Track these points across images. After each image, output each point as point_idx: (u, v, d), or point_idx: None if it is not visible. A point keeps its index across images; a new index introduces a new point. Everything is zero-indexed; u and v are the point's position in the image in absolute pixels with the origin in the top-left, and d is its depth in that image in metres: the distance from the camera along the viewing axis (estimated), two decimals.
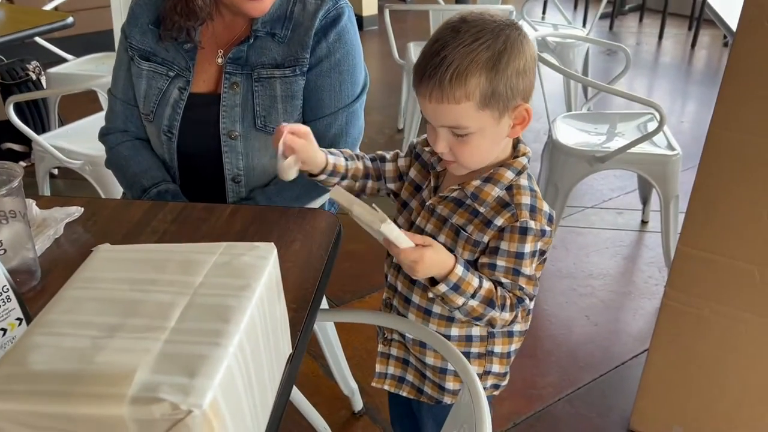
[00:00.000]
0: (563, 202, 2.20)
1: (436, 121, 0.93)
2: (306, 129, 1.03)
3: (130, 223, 1.10)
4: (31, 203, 1.08)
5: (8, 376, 0.53)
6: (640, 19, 5.21)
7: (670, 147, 2.11)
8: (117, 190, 1.90)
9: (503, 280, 0.96)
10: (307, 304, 0.90)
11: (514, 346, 1.11)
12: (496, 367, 1.10)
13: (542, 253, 0.99)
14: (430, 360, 1.09)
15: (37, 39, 2.44)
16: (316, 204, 1.43)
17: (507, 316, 0.96)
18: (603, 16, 4.90)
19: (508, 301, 0.96)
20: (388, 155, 1.12)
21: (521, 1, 3.53)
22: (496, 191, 0.96)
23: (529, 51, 0.92)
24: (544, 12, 5.15)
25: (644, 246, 2.51)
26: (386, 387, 1.17)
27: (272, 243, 0.73)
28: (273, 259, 0.71)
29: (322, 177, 1.07)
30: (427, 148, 1.07)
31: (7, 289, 0.73)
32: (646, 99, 2.02)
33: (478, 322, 0.98)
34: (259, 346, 0.65)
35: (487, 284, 0.95)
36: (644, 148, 2.09)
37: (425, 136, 1.04)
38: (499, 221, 0.95)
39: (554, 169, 2.20)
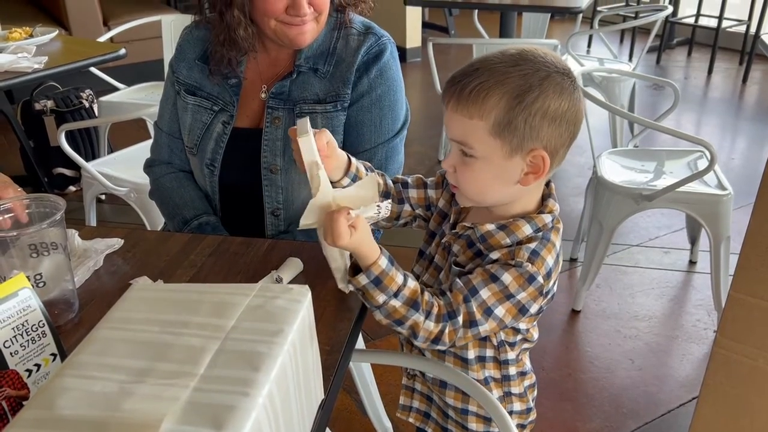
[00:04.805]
0: (608, 240, 2.14)
1: (449, 132, 0.90)
2: (326, 136, 0.95)
3: (169, 255, 1.11)
4: (74, 234, 1.10)
5: (36, 421, 0.52)
6: (689, 53, 5.12)
7: (721, 186, 2.04)
8: (160, 218, 1.93)
9: (457, 283, 0.88)
10: (341, 346, 0.88)
11: (527, 382, 1.08)
12: (516, 406, 1.07)
13: (522, 307, 0.89)
14: (450, 400, 1.06)
15: (91, 68, 2.52)
16: None
17: (432, 326, 0.88)
18: (650, 50, 4.83)
19: (435, 310, 0.88)
20: (410, 179, 1.07)
21: (566, 35, 3.51)
22: (506, 241, 0.91)
23: (568, 103, 0.86)
24: (589, 45, 5.11)
25: (692, 287, 2.42)
26: (411, 420, 1.14)
27: (306, 286, 0.71)
28: (307, 302, 0.69)
29: (346, 182, 1.00)
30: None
31: (43, 324, 0.74)
32: (696, 137, 1.96)
33: (399, 328, 0.89)
34: (290, 394, 0.63)
35: (412, 283, 0.88)
36: (694, 187, 2.02)
37: None
38: (495, 255, 0.89)
39: (599, 206, 2.15)
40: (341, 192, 0.89)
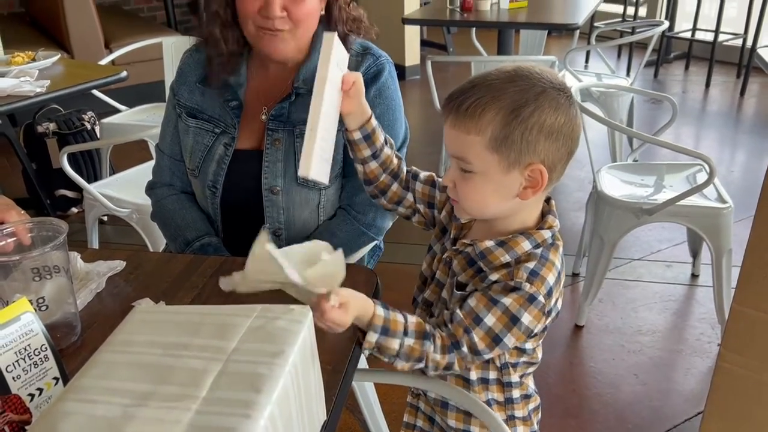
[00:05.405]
0: (609, 255, 2.14)
1: (448, 148, 0.92)
2: (355, 76, 1.00)
3: (171, 277, 1.11)
4: (76, 256, 1.10)
5: None
6: (686, 67, 5.14)
7: (721, 199, 2.04)
8: (162, 239, 1.93)
9: (457, 314, 0.89)
10: (343, 365, 0.88)
11: (531, 405, 1.07)
12: (520, 430, 1.07)
13: (530, 332, 0.90)
14: (452, 422, 1.06)
15: (93, 90, 2.54)
16: (355, 257, 1.43)
17: (438, 357, 0.89)
18: (648, 64, 4.86)
19: (439, 342, 0.89)
20: (422, 175, 1.08)
21: (564, 50, 3.54)
22: (506, 258, 0.91)
23: (565, 117, 0.87)
24: (587, 61, 5.14)
25: (695, 301, 2.41)
26: None
27: (308, 306, 0.71)
28: (308, 323, 0.70)
29: (357, 136, 1.02)
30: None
31: (46, 348, 0.74)
32: (695, 151, 1.96)
33: (419, 365, 0.90)
34: (292, 416, 0.63)
35: (413, 318, 0.89)
36: (694, 200, 2.02)
37: None
38: (494, 277, 0.90)
39: (600, 220, 2.15)
40: (311, 271, 0.83)
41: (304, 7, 1.25)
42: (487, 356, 0.90)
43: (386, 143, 1.06)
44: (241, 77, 1.36)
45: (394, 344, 0.88)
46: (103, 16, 4.06)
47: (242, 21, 1.28)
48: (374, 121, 1.04)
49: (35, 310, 0.77)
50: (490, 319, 0.88)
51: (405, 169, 1.08)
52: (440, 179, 1.07)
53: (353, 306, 0.85)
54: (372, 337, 0.87)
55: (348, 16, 1.34)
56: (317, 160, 0.93)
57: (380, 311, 0.87)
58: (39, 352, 0.74)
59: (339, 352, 0.91)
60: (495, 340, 0.88)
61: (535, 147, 0.86)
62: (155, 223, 1.48)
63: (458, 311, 0.90)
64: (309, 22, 1.28)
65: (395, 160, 1.08)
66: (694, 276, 2.52)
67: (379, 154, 1.05)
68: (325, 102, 0.93)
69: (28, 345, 0.74)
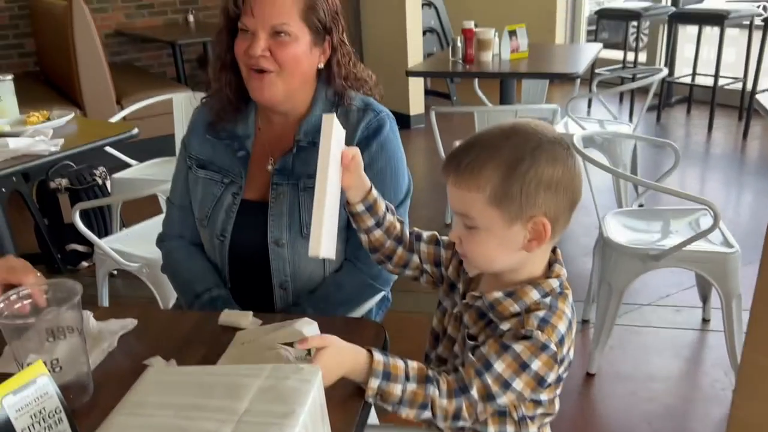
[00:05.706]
0: (618, 301, 2.13)
1: (452, 206, 0.95)
2: (354, 151, 1.04)
3: (181, 334, 1.12)
4: (88, 316, 1.12)
5: None
6: (688, 111, 5.20)
7: (727, 243, 2.05)
8: (172, 292, 1.95)
9: (469, 358, 0.90)
10: (353, 423, 0.88)
11: None
12: None
13: (541, 379, 0.90)
14: None
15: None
16: (363, 309, 1.43)
17: (445, 403, 0.89)
18: (650, 109, 4.92)
19: (444, 386, 0.89)
20: (425, 235, 1.10)
21: (566, 98, 3.60)
22: (515, 307, 0.93)
23: (563, 170, 0.90)
24: (589, 107, 5.21)
25: (707, 346, 2.39)
26: None
27: (317, 365, 0.72)
28: (317, 382, 0.71)
29: (360, 208, 1.05)
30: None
31: (60, 410, 0.75)
32: (699, 197, 1.98)
33: (425, 413, 0.89)
34: None
35: (413, 363, 0.90)
36: (700, 245, 2.03)
37: None
38: (505, 326, 0.92)
39: (606, 267, 2.16)
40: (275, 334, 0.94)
41: (287, 51, 1.28)
42: (500, 401, 0.90)
43: (387, 210, 1.10)
44: (249, 128, 1.40)
45: (397, 390, 0.88)
46: (115, 73, 4.18)
47: (239, 65, 1.32)
48: (375, 192, 1.07)
49: (50, 371, 0.79)
50: (499, 365, 0.89)
51: (408, 232, 1.11)
52: (444, 238, 1.10)
53: (329, 356, 0.85)
54: (374, 383, 0.88)
55: (348, 73, 1.38)
56: (326, 239, 0.97)
57: (379, 357, 0.89)
58: (53, 415, 0.75)
59: (348, 411, 0.91)
60: (505, 384, 0.89)
61: (535, 200, 0.89)
62: (165, 275, 1.50)
63: (470, 355, 0.91)
64: (295, 67, 1.30)
65: (398, 225, 1.10)
66: (705, 321, 2.50)
67: (382, 222, 1.08)
68: (329, 181, 0.97)
69: (43, 408, 0.75)
